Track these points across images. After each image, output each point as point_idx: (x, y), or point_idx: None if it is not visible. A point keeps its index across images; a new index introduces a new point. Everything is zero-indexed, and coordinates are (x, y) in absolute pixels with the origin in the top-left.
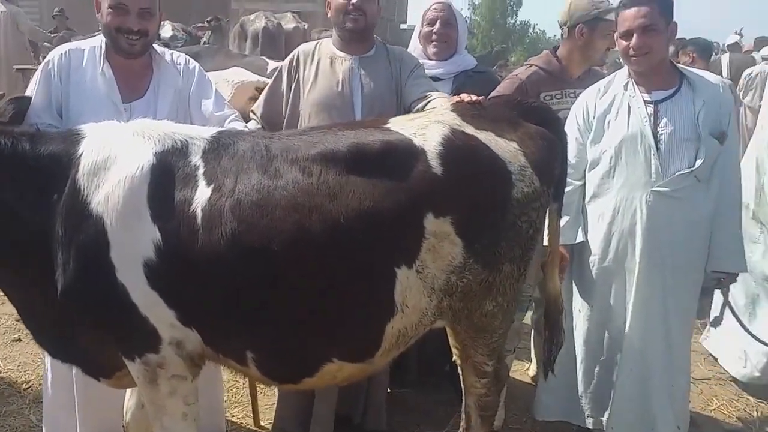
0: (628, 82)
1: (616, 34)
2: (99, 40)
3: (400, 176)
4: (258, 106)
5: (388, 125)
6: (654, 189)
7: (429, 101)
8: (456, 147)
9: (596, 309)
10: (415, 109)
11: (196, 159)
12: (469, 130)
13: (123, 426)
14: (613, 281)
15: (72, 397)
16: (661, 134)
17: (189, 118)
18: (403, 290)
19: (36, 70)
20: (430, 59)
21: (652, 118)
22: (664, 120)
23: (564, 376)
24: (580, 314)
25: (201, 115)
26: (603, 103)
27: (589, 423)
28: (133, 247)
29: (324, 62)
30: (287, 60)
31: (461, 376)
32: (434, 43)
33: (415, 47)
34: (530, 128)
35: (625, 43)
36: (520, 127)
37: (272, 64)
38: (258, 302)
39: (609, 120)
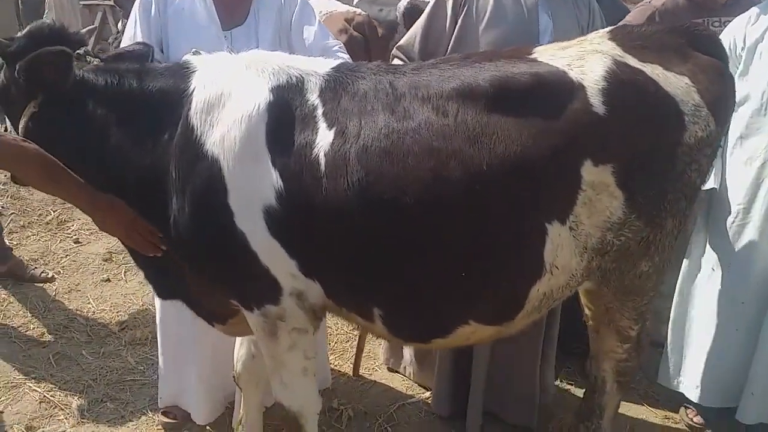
0: None
1: None
2: None
3: (553, 116)
4: (408, 44)
5: (533, 55)
6: None
7: None
8: (620, 82)
9: (735, 267)
10: None
11: (314, 98)
12: (633, 62)
13: (233, 376)
14: (761, 235)
15: (188, 335)
16: None
17: (291, 48)
18: (554, 249)
19: (101, 4)
20: None
21: None
22: None
23: (700, 340)
24: (713, 273)
25: (302, 44)
26: (754, 32)
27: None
28: (252, 192)
29: None
30: None
31: (595, 339)
32: None
33: None
34: (702, 60)
35: None
36: (691, 59)
37: None
38: (388, 257)
39: (761, 51)
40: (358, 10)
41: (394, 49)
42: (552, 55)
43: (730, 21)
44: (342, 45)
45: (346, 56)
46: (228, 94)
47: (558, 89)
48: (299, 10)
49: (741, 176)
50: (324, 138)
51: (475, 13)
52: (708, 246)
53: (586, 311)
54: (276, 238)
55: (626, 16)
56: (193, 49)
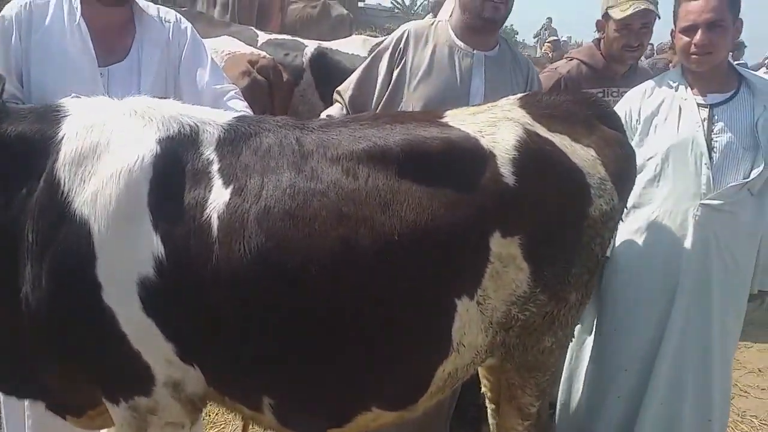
0: (680, 82)
1: (676, 28)
2: None
3: (464, 184)
4: (346, 89)
5: (444, 119)
6: (703, 202)
7: None
8: (531, 152)
9: (624, 332)
10: None
11: (209, 151)
12: (542, 131)
13: None
14: (650, 302)
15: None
16: (715, 142)
17: (179, 91)
18: (462, 326)
19: None
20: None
21: (705, 124)
22: (719, 126)
23: (585, 404)
24: (599, 338)
25: (194, 87)
26: (650, 105)
27: None
28: (126, 262)
29: (441, 50)
30: (393, 38)
31: (493, 414)
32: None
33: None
34: (606, 132)
35: (686, 39)
36: (596, 131)
37: (263, 37)
38: (285, 336)
39: (656, 123)
40: (263, 53)
41: (334, 92)
42: (463, 120)
43: (627, 91)
44: (239, 90)
45: (243, 103)
46: (105, 143)
47: (470, 157)
48: (190, 48)
49: (631, 245)
50: (219, 197)
51: (410, 70)
52: (597, 311)
53: (484, 384)
54: (151, 317)
55: None
56: (72, 94)
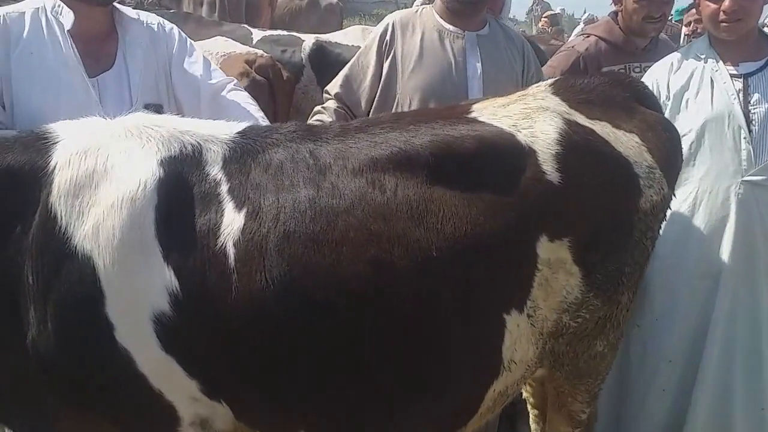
0: (708, 53)
1: None
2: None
3: (504, 187)
4: (335, 85)
5: (472, 113)
6: (745, 178)
7: None
8: (575, 146)
9: (666, 321)
10: None
11: (216, 170)
12: (582, 119)
13: None
14: (692, 289)
15: None
16: (753, 113)
17: (172, 92)
18: (513, 342)
19: None
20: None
21: (741, 95)
22: (756, 96)
23: (629, 396)
24: (642, 328)
25: (189, 86)
26: (679, 79)
27: None
28: (137, 298)
29: (430, 36)
30: (378, 30)
31: (539, 422)
32: None
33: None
34: (648, 115)
35: (713, 5)
36: (637, 114)
37: (257, 34)
38: (317, 367)
39: (687, 98)
40: (260, 52)
41: (323, 92)
42: (494, 114)
43: (650, 66)
44: (237, 82)
45: (244, 93)
46: (102, 171)
47: (507, 155)
48: (179, 49)
49: (669, 230)
50: (232, 222)
51: (401, 59)
52: (637, 300)
53: (526, 389)
54: (171, 354)
55: (549, 61)
56: (63, 114)
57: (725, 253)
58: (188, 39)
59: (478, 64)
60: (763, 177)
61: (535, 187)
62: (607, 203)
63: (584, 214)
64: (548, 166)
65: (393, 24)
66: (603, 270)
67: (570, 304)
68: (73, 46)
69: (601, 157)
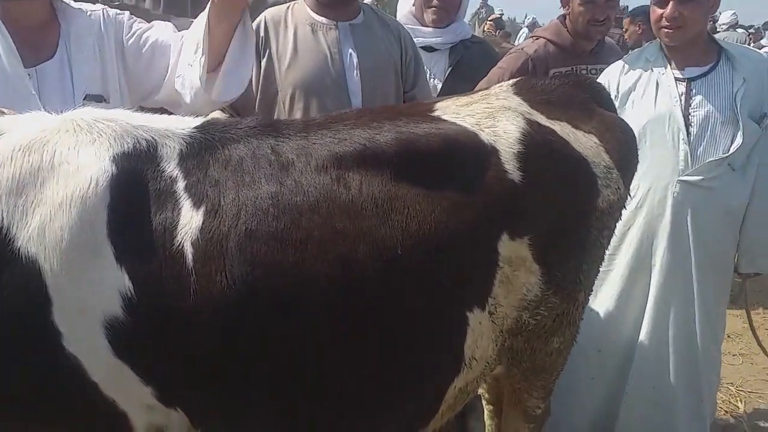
0: (657, 57)
1: (651, 0)
2: None
3: (467, 185)
4: None
5: (436, 111)
6: (681, 178)
7: None
8: (536, 145)
9: (605, 314)
10: None
11: (172, 167)
12: (542, 120)
13: None
14: (628, 281)
15: None
16: (693, 116)
17: (123, 82)
18: (475, 340)
19: None
20: (425, 26)
21: (683, 98)
22: (698, 100)
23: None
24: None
25: (149, 71)
26: (627, 80)
27: None
28: (87, 303)
29: (303, 30)
30: None
31: (494, 418)
32: (434, 9)
33: (404, 12)
34: (606, 116)
35: (659, 11)
36: (595, 115)
37: None
38: (281, 369)
39: (633, 99)
40: None
41: None
42: (456, 113)
43: (596, 68)
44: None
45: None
46: (49, 167)
47: (470, 154)
48: (127, 30)
49: None
50: (190, 220)
51: (276, 56)
52: None
53: (483, 387)
54: (124, 361)
55: (499, 62)
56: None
57: (660, 247)
58: (139, 23)
59: (354, 54)
60: (699, 177)
61: (498, 186)
62: (566, 202)
63: (544, 213)
64: (510, 165)
65: (264, 22)
66: (562, 268)
67: (530, 301)
68: (7, 35)
69: (562, 156)
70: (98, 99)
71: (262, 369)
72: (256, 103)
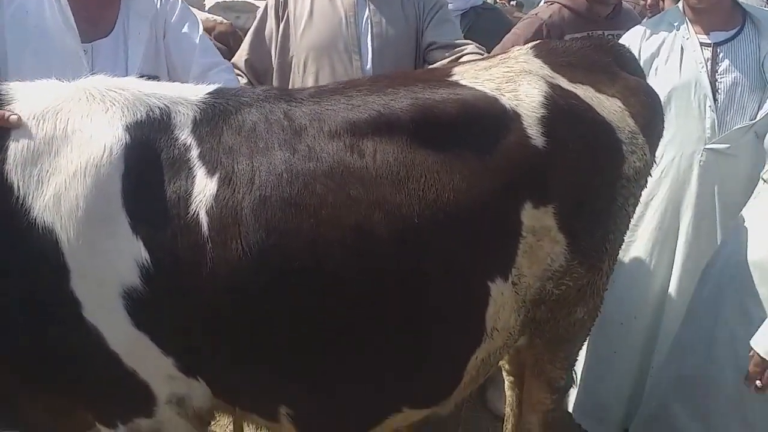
0: (680, 21)
1: None
2: None
3: (487, 152)
4: (240, 57)
5: (454, 76)
6: (708, 146)
7: (462, 54)
8: (560, 109)
9: (628, 286)
10: (442, 61)
11: (185, 134)
12: (564, 83)
13: None
14: (652, 252)
15: None
16: (720, 82)
17: (170, 64)
18: (497, 310)
19: None
20: None
21: (709, 64)
22: (724, 65)
23: (585, 362)
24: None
25: (180, 59)
26: (650, 46)
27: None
28: (105, 272)
29: None
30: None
31: (515, 389)
32: None
33: None
34: (629, 80)
35: None
36: (619, 79)
37: (210, 0)
38: (299, 340)
39: (657, 65)
40: (219, 18)
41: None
42: (475, 77)
43: (613, 34)
44: (231, 66)
45: (230, 76)
46: (62, 136)
47: (490, 119)
48: (178, 19)
49: None
50: (204, 188)
51: (293, 20)
52: None
53: (503, 359)
54: (143, 331)
55: (513, 29)
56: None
57: (685, 217)
58: (191, 12)
59: (370, 19)
60: (726, 145)
61: (520, 152)
62: (591, 169)
63: (569, 180)
64: (534, 131)
65: None
66: (587, 237)
67: (554, 271)
68: (68, 8)
69: (586, 121)
70: (154, 79)
71: (280, 337)
72: (274, 68)
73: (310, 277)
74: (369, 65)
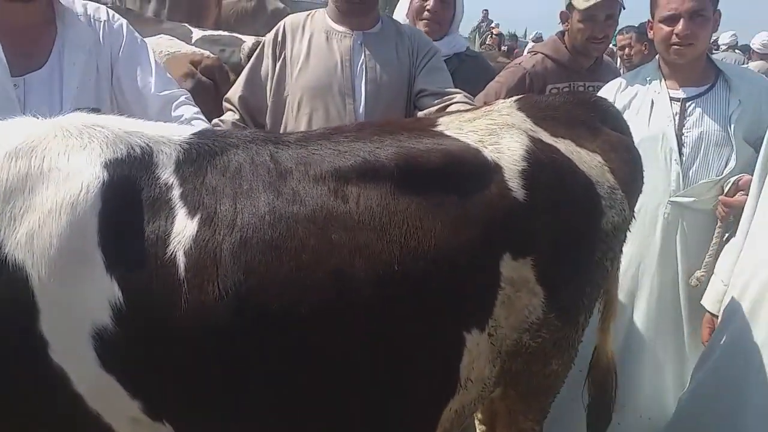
0: (654, 76)
1: (655, 19)
2: None
3: (468, 202)
4: (234, 93)
5: (438, 127)
6: (672, 199)
7: (451, 103)
8: (540, 163)
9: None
10: (430, 109)
11: (167, 174)
12: (546, 137)
13: None
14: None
15: None
16: (686, 136)
17: (114, 101)
18: (471, 361)
19: None
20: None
21: (677, 118)
22: (692, 120)
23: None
24: None
25: (136, 95)
26: (623, 98)
27: None
28: (75, 312)
29: (318, 38)
30: (271, 34)
31: None
32: (426, 21)
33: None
34: (611, 135)
35: (667, 29)
36: (600, 134)
37: (197, 33)
38: (272, 385)
39: (628, 117)
40: (206, 52)
41: (223, 101)
42: (459, 128)
43: (594, 85)
44: (189, 95)
45: (195, 109)
46: (38, 173)
47: (472, 170)
48: (127, 50)
49: None
50: (184, 228)
51: (290, 61)
52: None
53: (480, 416)
54: (111, 373)
55: (496, 77)
56: None
57: (648, 272)
58: (139, 38)
59: (364, 64)
60: (690, 199)
61: (501, 204)
62: (570, 223)
63: (548, 233)
64: (514, 183)
65: (284, 27)
66: (566, 290)
67: (531, 323)
68: None
69: (566, 175)
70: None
71: (253, 382)
72: (269, 106)
73: (287, 322)
74: (362, 109)
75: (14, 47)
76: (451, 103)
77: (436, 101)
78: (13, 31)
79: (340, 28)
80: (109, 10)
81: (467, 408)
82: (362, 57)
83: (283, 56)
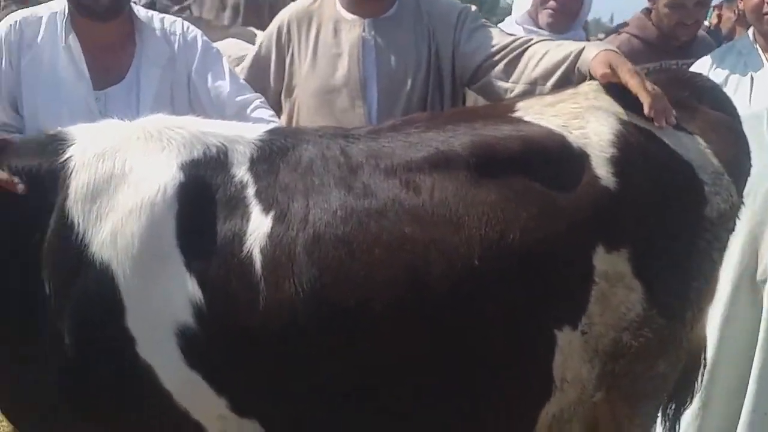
0: (750, 50)
1: None
2: (62, 3)
3: (554, 192)
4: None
5: (517, 112)
6: None
7: (529, 45)
8: (632, 148)
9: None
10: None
11: (242, 172)
12: (638, 121)
13: None
14: (731, 299)
15: None
16: None
17: (191, 109)
18: (564, 360)
19: None
20: (540, 28)
21: None
22: None
23: None
24: None
25: (212, 101)
26: (718, 76)
27: None
28: (159, 310)
29: (326, 31)
30: (273, 26)
31: None
32: (550, 11)
33: (519, 9)
34: (710, 115)
35: None
36: (698, 114)
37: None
38: (353, 383)
39: None
40: None
41: None
42: (540, 113)
43: (687, 63)
44: (263, 98)
45: (270, 112)
46: (120, 174)
47: (558, 158)
48: (201, 59)
49: None
50: (259, 226)
51: (299, 58)
52: None
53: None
54: (196, 370)
55: None
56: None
57: (765, 258)
58: (214, 48)
59: (374, 57)
60: None
61: (589, 193)
62: (669, 212)
63: (644, 224)
64: (603, 171)
65: (289, 20)
66: (667, 285)
67: (631, 321)
68: (81, 55)
69: (661, 161)
70: None
71: (333, 378)
72: (284, 109)
73: (362, 316)
74: (375, 111)
75: (96, 63)
76: (530, 46)
77: (508, 57)
78: (94, 48)
79: (350, 17)
80: (185, 22)
81: (566, 412)
82: (373, 49)
83: (290, 52)
